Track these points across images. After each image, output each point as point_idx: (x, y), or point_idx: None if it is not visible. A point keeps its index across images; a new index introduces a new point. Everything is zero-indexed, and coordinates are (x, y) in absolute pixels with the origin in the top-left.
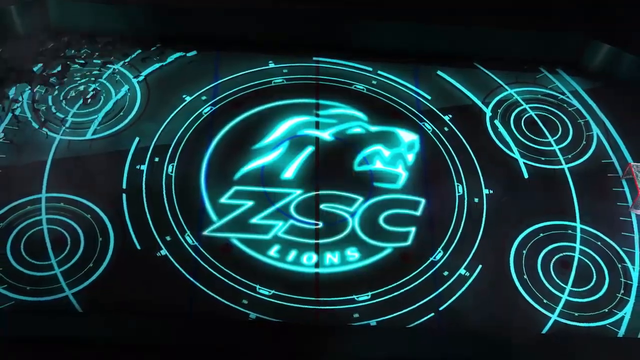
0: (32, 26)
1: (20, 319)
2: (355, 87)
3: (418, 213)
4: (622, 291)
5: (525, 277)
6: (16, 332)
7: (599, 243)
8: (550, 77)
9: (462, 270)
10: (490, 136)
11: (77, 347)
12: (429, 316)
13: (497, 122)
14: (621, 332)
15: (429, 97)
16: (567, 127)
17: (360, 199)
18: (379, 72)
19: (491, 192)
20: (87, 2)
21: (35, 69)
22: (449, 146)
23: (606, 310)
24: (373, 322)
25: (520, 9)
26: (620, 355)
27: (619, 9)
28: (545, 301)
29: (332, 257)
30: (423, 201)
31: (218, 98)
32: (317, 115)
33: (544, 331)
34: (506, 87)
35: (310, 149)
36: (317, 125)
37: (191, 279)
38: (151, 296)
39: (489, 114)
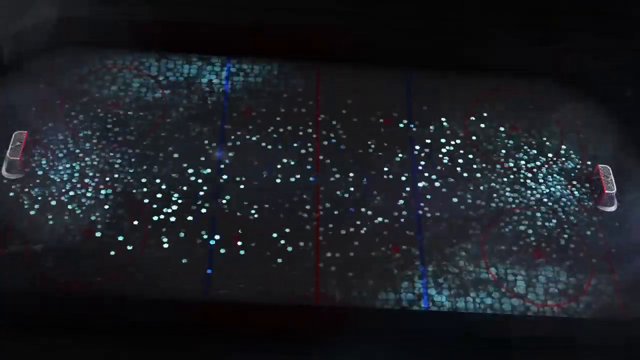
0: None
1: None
2: None
3: None
4: (583, 277)
5: (497, 264)
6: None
7: (565, 234)
8: None
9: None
10: None
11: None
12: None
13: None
14: (585, 315)
15: None
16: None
17: None
18: None
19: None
20: None
21: None
22: None
23: (572, 294)
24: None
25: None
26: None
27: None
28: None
29: None
30: None
31: None
32: None
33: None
34: None
35: None
36: None
37: None
38: None
39: None
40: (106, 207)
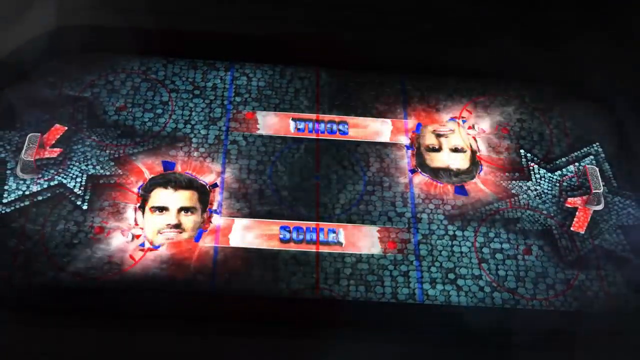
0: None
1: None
2: None
3: None
4: (572, 273)
5: (489, 260)
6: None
7: (555, 232)
8: None
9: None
10: None
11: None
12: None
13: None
14: (571, 308)
15: None
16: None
17: None
18: None
19: None
20: None
21: None
22: None
23: (559, 289)
24: None
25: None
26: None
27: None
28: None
29: None
30: None
31: None
32: None
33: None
34: None
35: None
36: None
37: None
38: None
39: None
40: (114, 206)
